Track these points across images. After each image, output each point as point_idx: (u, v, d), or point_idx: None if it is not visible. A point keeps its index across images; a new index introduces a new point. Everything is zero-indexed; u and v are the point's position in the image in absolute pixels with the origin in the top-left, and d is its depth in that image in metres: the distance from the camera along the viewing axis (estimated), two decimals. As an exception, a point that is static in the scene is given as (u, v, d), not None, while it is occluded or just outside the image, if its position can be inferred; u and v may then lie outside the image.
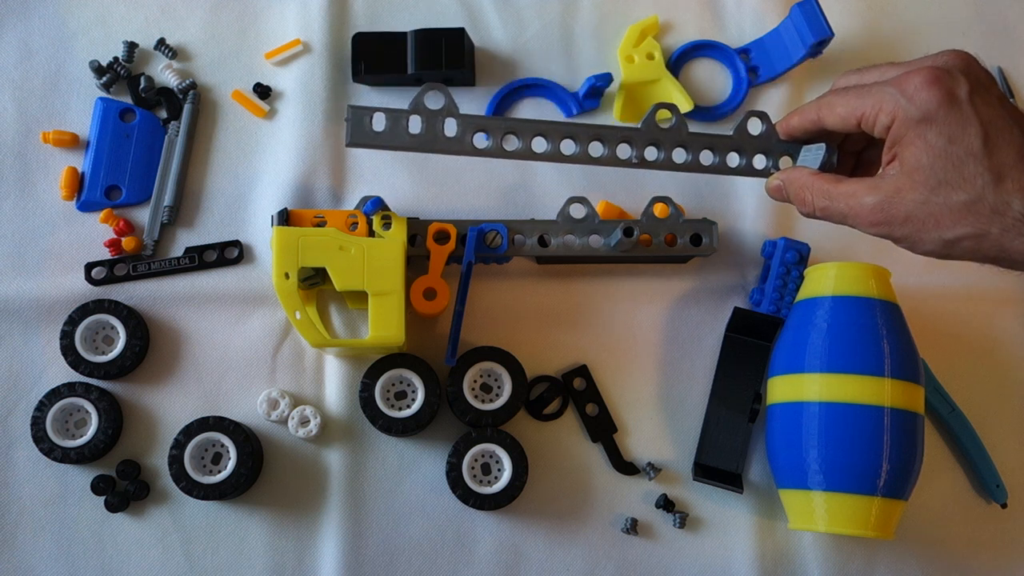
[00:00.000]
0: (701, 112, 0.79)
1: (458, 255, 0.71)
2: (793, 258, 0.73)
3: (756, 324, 0.73)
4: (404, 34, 0.76)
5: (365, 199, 0.71)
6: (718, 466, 0.72)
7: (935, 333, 0.75)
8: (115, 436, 0.70)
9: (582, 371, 0.74)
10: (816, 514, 0.65)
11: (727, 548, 0.72)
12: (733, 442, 0.72)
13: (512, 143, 0.65)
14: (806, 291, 0.70)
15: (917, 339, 0.68)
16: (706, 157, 0.67)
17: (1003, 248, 0.54)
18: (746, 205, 0.77)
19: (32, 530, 0.70)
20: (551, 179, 0.77)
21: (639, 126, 0.66)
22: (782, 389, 0.68)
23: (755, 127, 0.66)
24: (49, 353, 0.72)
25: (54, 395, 0.70)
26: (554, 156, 0.66)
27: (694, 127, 0.80)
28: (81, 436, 0.70)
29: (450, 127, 0.64)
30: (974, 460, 0.73)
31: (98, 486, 0.70)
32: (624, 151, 0.66)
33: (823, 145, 0.63)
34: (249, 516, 0.71)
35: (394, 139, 0.64)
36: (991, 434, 0.74)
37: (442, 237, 0.71)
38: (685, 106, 0.77)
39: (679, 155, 0.67)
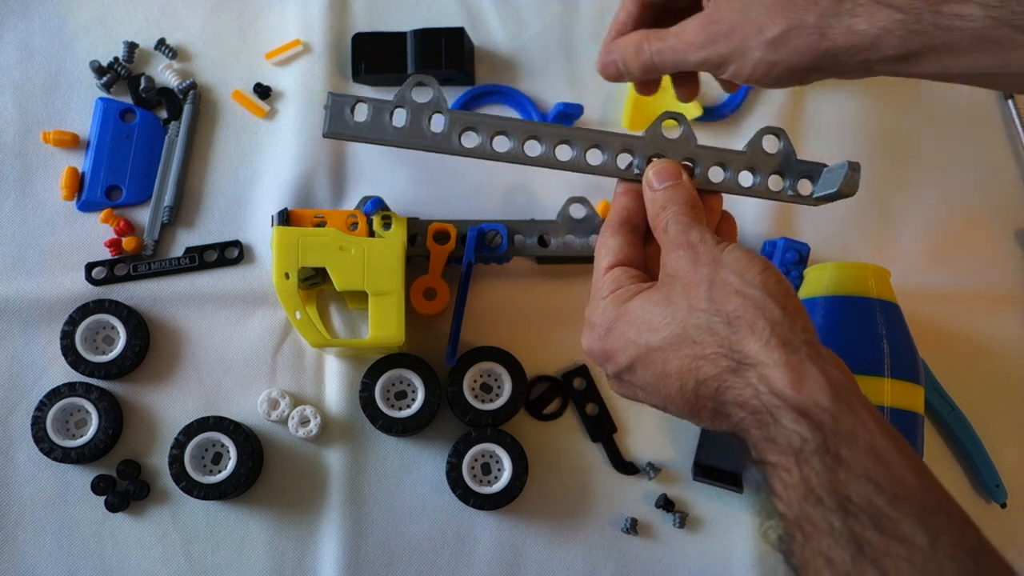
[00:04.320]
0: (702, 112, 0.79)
1: (458, 255, 0.71)
2: (793, 258, 0.73)
3: (756, 324, 0.73)
4: (404, 34, 0.76)
5: (365, 199, 0.71)
6: (718, 466, 0.72)
7: (935, 333, 0.75)
8: (115, 436, 0.70)
9: (582, 371, 0.74)
10: (816, 514, 0.65)
11: (727, 548, 0.72)
12: (733, 442, 0.72)
13: (503, 144, 0.60)
14: (806, 291, 0.70)
15: (917, 339, 0.68)
16: (716, 174, 0.60)
17: (825, 36, 0.54)
18: (746, 205, 0.77)
19: (32, 530, 0.70)
20: (551, 179, 0.77)
21: (642, 135, 0.60)
22: (782, 389, 0.68)
23: (771, 145, 0.61)
24: (49, 353, 0.72)
25: (54, 395, 0.70)
26: (547, 161, 0.60)
27: (694, 127, 0.80)
28: (81, 436, 0.70)
29: (437, 123, 0.59)
30: (974, 460, 0.73)
31: (98, 486, 0.70)
32: (625, 160, 0.60)
33: (845, 163, 0.58)
34: (249, 516, 0.71)
35: (376, 132, 0.59)
36: (991, 434, 0.74)
37: (442, 237, 0.71)
38: (693, 111, 0.76)
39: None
